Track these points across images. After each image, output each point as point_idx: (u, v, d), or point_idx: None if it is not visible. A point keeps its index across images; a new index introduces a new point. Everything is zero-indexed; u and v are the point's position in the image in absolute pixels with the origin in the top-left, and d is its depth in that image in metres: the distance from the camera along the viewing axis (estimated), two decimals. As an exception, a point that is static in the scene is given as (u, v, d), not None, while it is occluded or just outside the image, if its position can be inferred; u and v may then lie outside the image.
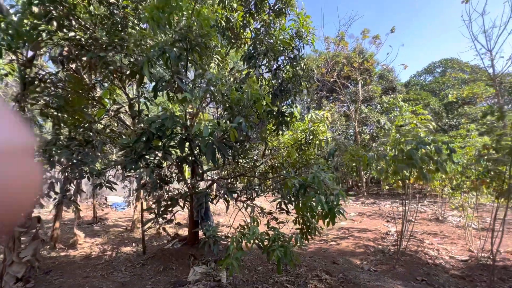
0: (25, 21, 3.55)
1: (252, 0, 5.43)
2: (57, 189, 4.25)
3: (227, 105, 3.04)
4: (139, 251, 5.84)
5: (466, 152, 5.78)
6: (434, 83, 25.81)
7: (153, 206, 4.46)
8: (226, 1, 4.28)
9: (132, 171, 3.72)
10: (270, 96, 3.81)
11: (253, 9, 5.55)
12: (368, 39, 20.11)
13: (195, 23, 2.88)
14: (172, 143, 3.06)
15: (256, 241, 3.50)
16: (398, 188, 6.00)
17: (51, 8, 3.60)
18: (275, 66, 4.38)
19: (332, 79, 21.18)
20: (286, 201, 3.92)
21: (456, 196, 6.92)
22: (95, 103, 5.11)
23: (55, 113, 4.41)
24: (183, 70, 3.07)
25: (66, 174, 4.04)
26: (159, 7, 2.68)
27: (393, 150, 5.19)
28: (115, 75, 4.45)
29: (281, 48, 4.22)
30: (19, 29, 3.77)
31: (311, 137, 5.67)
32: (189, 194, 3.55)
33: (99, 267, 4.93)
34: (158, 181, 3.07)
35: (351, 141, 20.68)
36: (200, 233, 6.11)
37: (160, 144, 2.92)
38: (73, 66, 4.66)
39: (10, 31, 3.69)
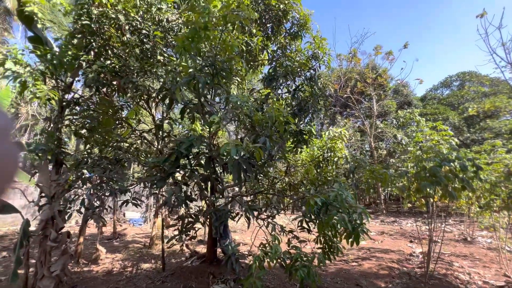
0: (69, 52, 3.96)
1: (269, 25, 5.74)
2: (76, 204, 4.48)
3: (250, 125, 3.18)
4: (159, 268, 5.89)
5: (494, 169, 5.54)
6: (452, 97, 25.16)
7: (174, 222, 4.56)
8: (246, 28, 4.57)
9: (157, 188, 3.89)
10: (289, 115, 3.93)
11: (270, 33, 5.85)
12: (381, 55, 20.23)
13: (221, 50, 3.12)
14: (197, 162, 3.21)
15: (279, 260, 3.48)
16: (421, 207, 5.79)
17: (91, 40, 4.01)
18: (293, 87, 4.54)
19: (345, 95, 21.22)
20: (308, 220, 3.90)
21: (486, 215, 6.54)
22: (122, 123, 5.45)
23: (87, 133, 4.74)
24: (208, 94, 3.28)
25: (96, 191, 4.26)
26: (189, 37, 2.94)
27: (415, 167, 5.08)
28: (142, 98, 4.77)
29: (299, 69, 4.39)
30: (62, 60, 4.20)
31: (329, 154, 5.68)
32: (211, 212, 3.64)
33: (120, 284, 5.01)
34: (184, 199, 3.19)
35: (367, 156, 20.23)
36: (219, 250, 6.11)
37: (187, 162, 3.08)
38: (104, 90, 5.05)
39: (54, 61, 4.12)
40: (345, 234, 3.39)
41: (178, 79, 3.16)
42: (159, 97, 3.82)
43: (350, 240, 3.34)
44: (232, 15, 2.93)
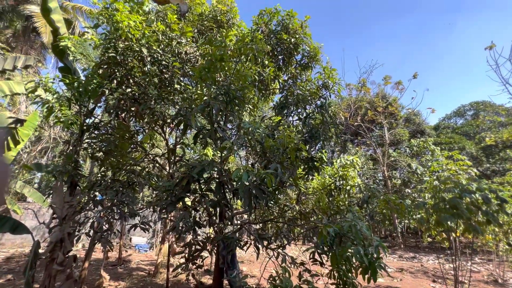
0: (94, 81, 4.27)
1: (281, 56, 6.05)
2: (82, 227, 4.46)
3: (261, 152, 3.20)
4: (162, 299, 5.60)
5: (520, 202, 5.19)
6: (466, 126, 24.65)
7: (181, 250, 4.42)
8: (259, 59, 4.82)
9: (166, 213, 3.86)
10: (301, 142, 3.95)
11: (282, 64, 6.14)
12: (390, 85, 20.52)
13: (235, 79, 3.29)
14: (208, 187, 3.21)
15: (289, 296, 3.25)
16: (442, 242, 5.39)
17: (115, 70, 4.34)
18: (304, 114, 4.63)
19: (356, 123, 21.24)
20: (320, 251, 3.70)
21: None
22: (137, 147, 5.62)
23: (103, 156, 4.90)
24: (221, 121, 3.39)
25: (106, 214, 4.28)
26: (206, 68, 3.14)
27: (433, 198, 4.84)
28: (158, 123, 4.97)
29: (309, 98, 4.51)
30: (87, 87, 4.53)
31: (341, 182, 5.55)
32: (220, 239, 3.53)
33: (122, 315, 4.76)
34: (193, 225, 3.14)
35: (380, 186, 19.54)
36: (225, 282, 5.79)
37: (197, 187, 3.08)
38: (123, 115, 5.31)
39: (80, 89, 4.45)
40: (360, 269, 3.17)
41: (193, 106, 3.31)
42: (174, 123, 3.97)
43: (367, 276, 3.11)
44: (246, 48, 3.13)
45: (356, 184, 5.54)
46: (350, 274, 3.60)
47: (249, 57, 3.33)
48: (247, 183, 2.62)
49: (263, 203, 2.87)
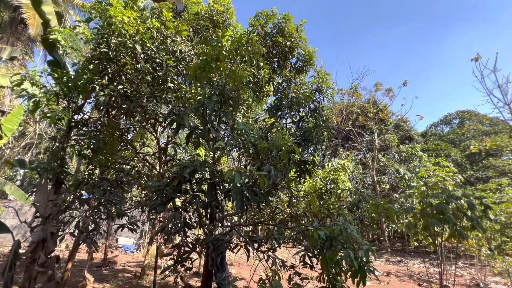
0: (84, 76, 4.15)
1: (276, 59, 6.07)
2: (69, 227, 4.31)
3: (254, 153, 3.19)
4: (148, 302, 5.47)
5: (502, 209, 5.38)
6: (452, 134, 25.46)
7: (169, 251, 4.33)
8: (254, 61, 4.82)
9: (156, 214, 3.77)
10: (294, 145, 3.96)
11: (277, 67, 6.16)
12: (381, 91, 20.98)
13: (230, 80, 3.26)
14: (199, 188, 3.16)
15: (279, 299, 3.23)
16: (428, 246, 5.51)
17: (107, 66, 4.23)
18: (298, 117, 4.65)
19: (347, 128, 21.57)
20: (310, 254, 3.70)
21: (498, 259, 6.19)
22: (127, 146, 5.49)
23: (91, 154, 4.76)
24: (215, 121, 3.35)
25: (92, 214, 4.14)
26: (201, 67, 3.10)
27: (421, 204, 4.95)
28: (150, 122, 4.87)
29: (303, 101, 4.54)
30: (76, 82, 4.40)
31: (332, 185, 5.60)
32: (210, 241, 3.48)
33: (105, 318, 4.61)
34: (183, 226, 3.08)
35: (369, 190, 19.87)
36: (214, 284, 5.71)
37: (189, 188, 3.03)
38: (113, 112, 5.18)
39: (69, 84, 4.31)
40: (350, 272, 3.19)
41: (187, 105, 3.26)
42: (167, 122, 3.90)
43: (356, 279, 3.12)
44: (242, 49, 3.12)
45: (347, 188, 5.60)
46: (339, 278, 3.62)
47: (244, 58, 3.32)
48: (240, 185, 2.59)
49: (255, 205, 2.85)
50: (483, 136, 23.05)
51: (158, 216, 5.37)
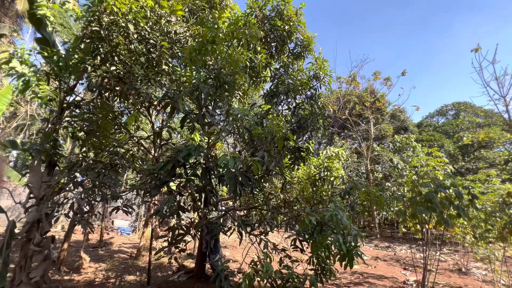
0: (75, 55, 4.02)
1: (274, 44, 5.93)
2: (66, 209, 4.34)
3: (249, 139, 3.19)
4: (143, 281, 5.63)
5: (488, 198, 5.55)
6: (447, 125, 25.71)
7: (164, 233, 4.41)
8: (252, 45, 4.70)
9: (150, 197, 3.81)
10: (289, 132, 3.96)
11: (274, 52, 6.03)
12: (380, 80, 20.81)
13: (226, 64, 3.20)
14: (193, 172, 3.18)
15: (270, 280, 3.36)
16: (416, 233, 5.71)
17: (99, 45, 4.09)
18: (294, 104, 4.62)
19: (343, 117, 21.57)
20: (301, 239, 3.82)
21: (481, 246, 6.46)
22: (121, 129, 5.43)
23: (85, 136, 4.70)
24: (210, 106, 3.31)
25: (87, 196, 4.16)
26: (196, 49, 3.02)
27: (411, 192, 5.08)
28: (144, 105, 4.80)
29: (300, 88, 4.49)
30: (67, 62, 4.26)
31: (325, 173, 5.68)
32: (204, 224, 3.55)
33: (102, 296, 4.77)
34: (177, 209, 3.12)
35: (362, 178, 20.23)
36: (208, 266, 5.89)
37: (182, 172, 3.04)
38: (106, 94, 5.07)
39: (60, 63, 4.17)
40: (338, 256, 3.31)
41: (181, 88, 3.20)
42: (161, 105, 3.85)
43: (344, 262, 3.25)
44: (239, 31, 3.03)
45: (340, 175, 5.68)
46: (328, 261, 3.77)
47: (241, 42, 3.23)
48: (233, 170, 2.61)
49: (248, 190, 2.89)
50: (477, 128, 23.35)
51: (153, 199, 5.42)
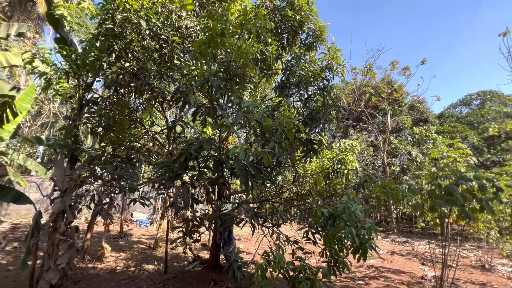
0: (91, 53, 4.16)
1: (285, 35, 5.83)
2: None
3: (260, 131, 3.18)
4: (161, 270, 5.86)
5: (515, 192, 5.24)
6: (471, 116, 24.30)
7: (179, 225, 4.55)
8: (262, 37, 4.65)
9: (164, 189, 3.93)
10: (300, 123, 3.91)
11: (286, 43, 5.92)
12: (397, 70, 19.94)
13: (236, 57, 3.18)
14: (205, 165, 3.23)
15: (282, 271, 3.38)
16: (435, 227, 5.51)
17: (113, 43, 4.20)
18: (305, 96, 4.55)
19: (359, 109, 20.96)
20: (314, 231, 3.80)
21: (508, 241, 6.14)
22: (136, 124, 5.60)
23: (103, 132, 4.90)
24: (221, 99, 3.33)
25: (106, 188, 4.35)
26: (206, 43, 3.03)
27: (429, 185, 4.88)
28: (157, 100, 4.90)
29: (312, 79, 4.40)
30: (84, 60, 4.42)
31: (339, 166, 5.58)
32: (217, 216, 3.61)
33: (123, 282, 5.02)
34: (191, 201, 3.20)
35: (379, 172, 19.69)
36: (222, 257, 6.03)
37: (195, 164, 3.10)
38: (122, 91, 5.23)
39: (78, 61, 4.34)
40: (352, 249, 3.27)
41: (192, 82, 3.24)
42: (173, 100, 3.92)
43: (357, 255, 3.21)
44: (249, 23, 3.00)
45: (354, 168, 5.57)
46: (341, 254, 3.74)
47: (251, 34, 3.19)
48: (244, 162, 2.62)
49: (260, 182, 2.90)
50: (504, 118, 21.92)
51: (169, 192, 5.58)
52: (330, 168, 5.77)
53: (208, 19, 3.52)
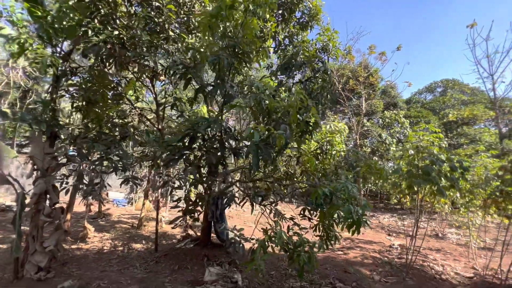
0: (73, 16, 3.66)
1: (280, 12, 5.63)
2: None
3: (266, 112, 3.18)
4: (150, 249, 5.86)
5: (475, 172, 5.98)
6: (434, 102, 26.41)
7: (173, 204, 4.51)
8: (260, 12, 4.45)
9: (169, 167, 3.81)
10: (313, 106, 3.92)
11: (281, 20, 5.74)
12: (374, 55, 20.54)
13: (244, 32, 3.04)
14: (211, 145, 3.18)
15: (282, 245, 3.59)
16: (410, 203, 6.16)
17: (100, 6, 3.72)
18: (305, 77, 4.56)
19: (336, 91, 21.53)
20: (310, 208, 4.04)
21: (462, 214, 7.10)
22: (119, 100, 5.18)
23: (86, 106, 4.48)
24: (226, 77, 3.21)
25: (95, 167, 4.10)
26: (214, 15, 2.83)
27: (408, 165, 5.36)
28: (147, 75, 4.57)
29: (312, 60, 4.40)
30: (62, 24, 3.88)
31: (328, 147, 5.83)
32: (217, 195, 3.65)
33: (113, 262, 4.95)
34: (200, 180, 3.17)
35: (361, 152, 20.88)
36: (212, 235, 6.16)
37: (202, 144, 3.03)
38: (107, 62, 4.74)
39: (55, 25, 3.80)
40: (346, 223, 3.57)
41: (198, 57, 3.05)
42: (170, 74, 3.67)
43: (352, 229, 3.52)
44: (260, -4, 2.84)
45: (341, 149, 5.86)
46: (333, 228, 4.06)
47: (261, 8, 3.03)
48: (257, 143, 2.63)
49: (269, 162, 2.95)
50: (461, 106, 24.20)
51: (156, 172, 5.42)
52: (318, 149, 6.01)
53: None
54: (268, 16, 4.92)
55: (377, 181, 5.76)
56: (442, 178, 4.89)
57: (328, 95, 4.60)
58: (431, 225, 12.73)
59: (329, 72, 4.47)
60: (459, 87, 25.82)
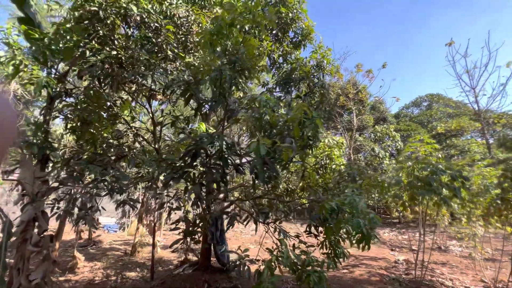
0: (72, 37, 3.66)
1: (274, 32, 5.83)
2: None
3: (269, 127, 3.15)
4: (146, 277, 5.47)
5: (473, 181, 6.02)
6: (422, 116, 27.33)
7: (172, 226, 4.25)
8: (256, 32, 4.59)
9: (171, 186, 3.65)
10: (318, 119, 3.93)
11: (275, 40, 5.94)
12: (362, 72, 21.47)
13: (243, 49, 3.08)
14: (215, 161, 3.08)
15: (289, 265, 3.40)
16: (411, 215, 6.08)
17: (97, 27, 3.75)
18: (303, 93, 4.62)
19: (328, 108, 22.07)
20: (315, 224, 3.90)
21: (464, 225, 7.04)
22: (115, 120, 5.09)
23: (81, 127, 4.35)
24: (227, 91, 3.20)
25: (89, 190, 3.90)
26: (214, 33, 2.87)
27: (408, 177, 5.35)
28: (145, 94, 4.53)
29: (310, 76, 4.49)
30: (58, 45, 3.86)
31: (327, 161, 5.80)
32: (218, 214, 3.49)
33: (106, 294, 4.57)
34: (198, 199, 3.03)
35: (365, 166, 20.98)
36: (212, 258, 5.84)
37: (205, 161, 2.94)
38: (104, 82, 4.70)
39: (52, 47, 3.77)
40: (356, 238, 3.43)
41: (199, 74, 3.04)
42: (168, 93, 3.64)
43: (361, 245, 3.38)
44: (260, 14, 2.92)
45: (340, 163, 5.84)
46: (340, 245, 3.91)
47: (260, 26, 3.11)
48: (262, 157, 2.56)
49: (274, 178, 2.87)
50: (447, 118, 25.08)
51: (154, 193, 5.20)
52: (317, 164, 5.97)
53: (206, 11, 3.35)
54: (264, 36, 5.10)
55: (378, 194, 5.68)
56: (444, 188, 4.88)
57: (327, 108, 4.65)
58: (431, 238, 12.60)
59: (326, 87, 4.56)
60: (444, 101, 26.94)
